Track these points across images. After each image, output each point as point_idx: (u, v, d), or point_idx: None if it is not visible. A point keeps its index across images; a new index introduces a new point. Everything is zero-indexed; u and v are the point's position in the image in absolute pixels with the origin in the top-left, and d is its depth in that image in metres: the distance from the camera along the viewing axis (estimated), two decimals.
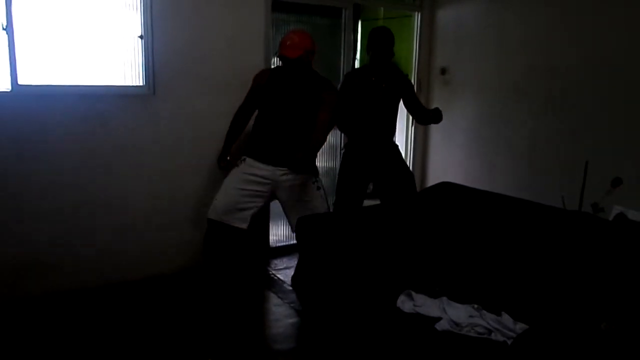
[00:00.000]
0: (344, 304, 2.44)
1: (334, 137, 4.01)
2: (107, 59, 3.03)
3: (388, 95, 3.28)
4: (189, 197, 3.37)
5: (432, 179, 4.32)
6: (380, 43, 3.18)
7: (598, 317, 1.84)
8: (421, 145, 4.48)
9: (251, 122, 3.11)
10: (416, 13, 4.27)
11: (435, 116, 3.22)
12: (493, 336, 1.85)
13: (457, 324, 1.91)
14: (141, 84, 3.13)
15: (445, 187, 3.13)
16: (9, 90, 2.75)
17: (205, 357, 2.46)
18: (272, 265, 3.66)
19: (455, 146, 4.19)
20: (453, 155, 4.22)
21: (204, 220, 3.08)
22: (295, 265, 3.33)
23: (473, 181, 3.47)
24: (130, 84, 3.11)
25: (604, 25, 3.14)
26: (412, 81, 4.32)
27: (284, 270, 3.54)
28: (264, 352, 2.58)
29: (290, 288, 3.26)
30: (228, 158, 3.11)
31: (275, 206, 3.32)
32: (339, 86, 3.37)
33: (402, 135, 4.45)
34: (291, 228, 3.13)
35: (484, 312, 1.97)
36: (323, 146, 3.12)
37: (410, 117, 4.14)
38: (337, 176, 3.50)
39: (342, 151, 3.55)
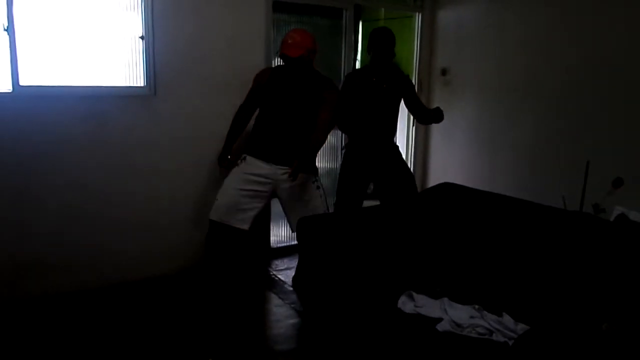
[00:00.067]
0: (345, 304, 2.44)
1: (335, 137, 4.01)
2: (108, 59, 3.03)
3: (389, 95, 3.28)
4: (189, 197, 3.38)
5: (433, 179, 4.32)
6: (381, 43, 3.18)
7: (599, 317, 1.84)
8: (422, 145, 4.48)
9: (252, 121, 3.11)
10: (417, 14, 4.28)
11: (437, 115, 3.22)
12: (494, 337, 1.84)
13: (458, 325, 1.91)
14: (142, 84, 3.13)
15: (446, 188, 3.13)
16: (10, 91, 2.75)
17: (205, 357, 2.46)
18: (273, 266, 3.66)
19: (456, 146, 4.19)
20: (454, 156, 4.22)
21: (204, 220, 3.08)
22: (296, 266, 3.33)
23: (474, 181, 3.47)
24: (131, 85, 3.11)
25: (604, 25, 3.14)
26: (413, 82, 4.32)
27: (285, 271, 3.54)
28: (264, 352, 2.58)
29: (291, 289, 3.26)
30: (229, 157, 3.11)
31: (276, 207, 3.32)
32: (339, 86, 3.37)
33: (403, 135, 4.45)
34: (290, 227, 3.13)
35: (485, 312, 1.97)
36: (323, 146, 3.13)
37: (411, 117, 4.14)
38: (337, 176, 3.50)
39: (343, 151, 3.55)
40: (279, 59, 3.15)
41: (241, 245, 3.26)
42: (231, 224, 2.95)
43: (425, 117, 3.39)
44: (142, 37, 3.07)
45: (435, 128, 4.22)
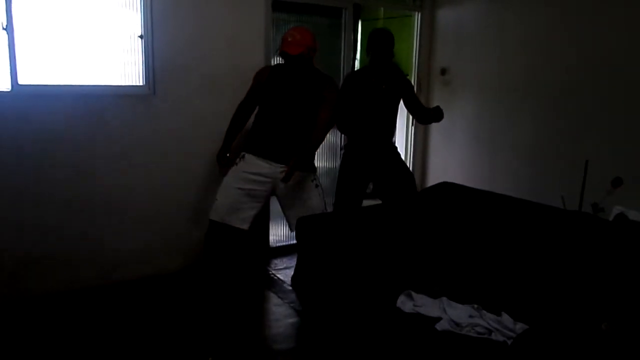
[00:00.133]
0: (344, 304, 2.44)
1: (334, 137, 4.01)
2: (107, 58, 3.03)
3: (388, 96, 3.29)
4: (189, 195, 3.38)
5: (432, 179, 4.32)
6: (380, 45, 3.18)
7: (598, 317, 1.84)
8: (421, 145, 4.48)
9: (251, 119, 3.11)
10: (416, 13, 4.27)
11: (436, 114, 3.22)
12: (493, 336, 1.84)
13: (457, 324, 1.91)
14: (141, 83, 3.13)
15: (445, 187, 3.13)
16: (9, 90, 2.75)
17: (205, 357, 2.46)
18: (272, 265, 3.66)
19: (456, 146, 4.19)
20: (453, 155, 4.22)
21: (204, 218, 3.08)
22: (295, 265, 3.33)
23: (473, 181, 3.47)
24: (131, 84, 3.11)
25: (604, 25, 3.14)
26: (412, 81, 4.32)
27: (284, 270, 3.54)
28: (264, 352, 2.58)
29: (290, 288, 3.26)
30: (228, 155, 3.10)
31: (275, 206, 3.32)
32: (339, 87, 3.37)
33: (402, 135, 4.45)
34: (289, 226, 3.13)
35: (484, 312, 1.97)
36: (322, 145, 3.13)
37: (411, 117, 4.14)
38: (336, 176, 3.50)
39: (342, 152, 3.55)
40: (278, 58, 3.14)
41: (240, 245, 3.25)
42: (231, 224, 2.95)
43: (425, 116, 3.39)
44: (141, 36, 3.07)
45: (434, 128, 4.22)
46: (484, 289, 2.22)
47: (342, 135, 3.89)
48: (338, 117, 3.19)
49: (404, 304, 2.08)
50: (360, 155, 3.33)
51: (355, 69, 4.11)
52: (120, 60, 3.07)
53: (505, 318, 1.93)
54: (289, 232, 3.74)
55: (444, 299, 2.08)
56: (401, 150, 3.77)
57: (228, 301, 3.08)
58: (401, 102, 3.39)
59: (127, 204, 3.18)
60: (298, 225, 2.82)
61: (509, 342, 1.81)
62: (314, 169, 3.11)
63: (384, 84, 3.25)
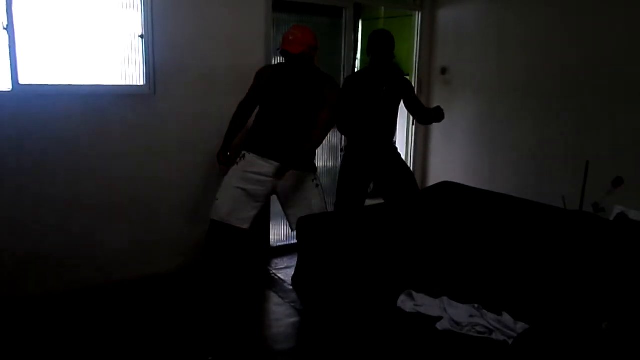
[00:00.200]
0: (345, 303, 2.44)
1: (334, 137, 4.01)
2: (107, 58, 3.03)
3: (388, 98, 3.29)
4: (189, 195, 3.38)
5: (433, 179, 4.32)
6: (381, 46, 3.19)
7: (599, 316, 1.84)
8: (422, 145, 4.48)
9: (252, 118, 3.11)
10: (417, 13, 4.28)
11: (437, 115, 3.22)
12: (494, 336, 1.85)
13: (457, 324, 1.91)
14: (142, 83, 3.13)
15: (445, 187, 3.13)
16: (9, 89, 2.75)
17: (205, 357, 2.46)
18: (273, 265, 3.66)
19: (456, 146, 4.19)
20: (453, 155, 4.23)
21: (204, 218, 3.08)
22: (295, 265, 3.32)
23: (473, 181, 3.47)
24: (131, 84, 3.11)
25: (604, 25, 3.14)
26: (413, 81, 4.33)
27: (285, 270, 3.54)
28: (264, 351, 2.58)
29: (291, 287, 3.26)
30: (228, 154, 3.10)
31: (276, 206, 3.32)
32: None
33: (403, 135, 4.45)
34: (290, 225, 3.13)
35: (485, 311, 1.97)
36: (322, 145, 3.12)
37: (411, 117, 4.14)
38: (337, 177, 3.50)
39: (342, 153, 3.55)
40: (279, 57, 3.14)
41: (241, 244, 3.25)
42: (232, 224, 2.95)
43: (426, 117, 3.39)
44: (141, 36, 3.07)
45: (435, 128, 4.22)
46: (485, 288, 2.22)
47: (343, 136, 3.90)
48: (339, 118, 3.19)
49: (405, 303, 2.08)
50: (361, 156, 3.33)
51: (356, 70, 4.12)
52: (121, 60, 3.07)
53: (506, 318, 1.93)
54: (290, 231, 3.73)
55: (445, 298, 2.08)
56: (402, 150, 3.77)
57: (228, 301, 3.08)
58: (402, 102, 3.39)
59: (127, 204, 3.18)
60: (298, 225, 2.83)
61: (510, 341, 1.81)
62: (314, 168, 3.11)
63: (385, 86, 3.25)
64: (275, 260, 3.72)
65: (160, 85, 3.15)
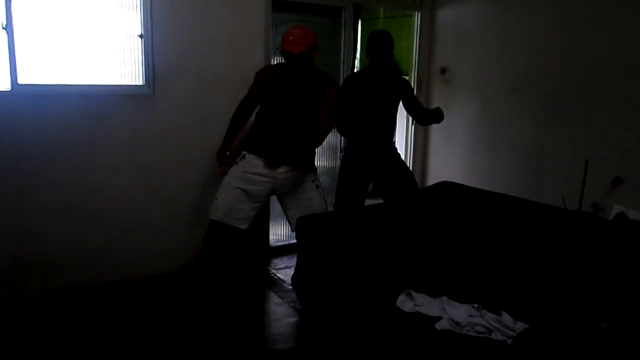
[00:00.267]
0: (344, 303, 2.44)
1: (334, 138, 4.00)
2: (107, 58, 3.03)
3: (388, 98, 3.29)
4: (189, 196, 3.37)
5: (432, 179, 4.32)
6: (380, 47, 3.19)
7: (598, 316, 1.84)
8: (421, 145, 4.48)
9: (252, 118, 3.10)
10: (416, 12, 4.27)
11: (437, 116, 3.22)
12: (493, 335, 1.85)
13: (457, 324, 1.91)
14: (141, 83, 3.13)
15: (445, 187, 3.13)
16: (8, 89, 2.75)
17: (205, 357, 2.46)
18: (272, 265, 3.66)
19: (456, 146, 4.19)
20: (453, 155, 4.22)
21: (204, 219, 3.08)
22: (295, 265, 3.32)
23: (473, 181, 3.47)
24: (130, 84, 3.11)
25: (603, 25, 3.14)
26: (412, 80, 4.33)
27: (284, 270, 3.54)
28: (264, 351, 2.58)
29: (291, 287, 3.26)
30: (228, 153, 3.10)
31: (275, 206, 3.32)
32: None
33: (402, 136, 4.44)
34: (290, 226, 3.13)
35: (484, 311, 1.97)
36: (322, 145, 3.12)
37: (410, 117, 4.14)
38: (337, 177, 3.50)
39: (342, 153, 3.55)
40: (279, 57, 3.14)
41: (240, 244, 3.25)
42: (231, 224, 2.95)
43: (425, 118, 3.39)
44: (141, 36, 3.07)
45: (434, 128, 4.21)
46: (484, 288, 2.22)
47: (342, 137, 3.89)
48: (339, 116, 3.19)
49: (404, 303, 2.08)
50: (360, 157, 3.33)
51: (355, 71, 4.12)
52: (120, 59, 3.06)
53: (505, 317, 1.93)
54: (289, 231, 3.73)
55: (444, 298, 2.08)
56: (401, 150, 3.77)
57: (228, 301, 3.08)
58: (401, 103, 3.39)
59: (127, 204, 3.18)
60: (298, 225, 2.83)
61: (509, 341, 1.81)
62: (314, 169, 3.11)
63: (384, 86, 3.25)
64: (275, 260, 3.72)
65: (160, 85, 3.15)
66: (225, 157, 3.06)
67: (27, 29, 2.77)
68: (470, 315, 1.95)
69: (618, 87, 3.08)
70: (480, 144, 4.00)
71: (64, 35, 2.88)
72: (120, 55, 3.06)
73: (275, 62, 3.53)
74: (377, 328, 2.17)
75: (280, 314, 2.96)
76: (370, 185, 3.54)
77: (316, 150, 3.11)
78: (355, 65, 4.28)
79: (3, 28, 2.68)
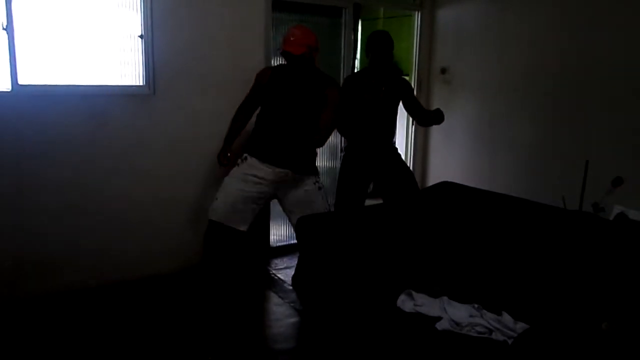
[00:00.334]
0: (345, 303, 2.44)
1: (335, 137, 4.00)
2: (107, 58, 3.03)
3: (388, 98, 3.29)
4: (189, 196, 3.38)
5: (433, 179, 4.32)
6: (379, 47, 3.19)
7: (599, 316, 1.84)
8: (421, 145, 4.48)
9: (252, 119, 3.10)
10: (416, 12, 4.27)
11: (437, 117, 3.21)
12: (493, 336, 1.84)
13: (457, 324, 1.91)
14: (141, 83, 3.13)
15: (445, 187, 3.13)
16: (9, 90, 2.75)
17: (205, 357, 2.46)
18: (273, 265, 3.66)
19: (456, 146, 4.19)
20: (453, 155, 4.22)
21: (204, 220, 3.08)
22: (295, 265, 3.33)
23: (473, 181, 3.47)
24: (131, 84, 3.11)
25: (603, 25, 3.14)
26: (412, 80, 4.33)
27: (285, 270, 3.54)
28: (264, 352, 2.58)
29: (291, 288, 3.26)
30: (229, 155, 3.10)
31: (276, 206, 3.32)
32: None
33: (402, 136, 4.45)
34: (293, 228, 3.12)
35: (485, 311, 1.97)
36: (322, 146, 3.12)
37: (411, 118, 4.14)
38: (337, 177, 3.50)
39: (342, 154, 3.54)
40: (279, 58, 3.13)
41: (240, 245, 3.25)
42: (230, 225, 2.94)
43: (425, 119, 3.39)
44: (141, 36, 3.07)
45: (434, 128, 4.21)
46: (485, 288, 2.22)
47: (342, 137, 3.89)
48: (340, 119, 3.18)
49: (404, 303, 2.08)
50: (360, 157, 3.33)
51: (355, 71, 4.12)
52: (120, 60, 3.06)
53: (506, 318, 1.93)
54: (290, 231, 3.74)
55: (445, 298, 2.08)
56: (401, 150, 3.76)
57: (228, 301, 3.08)
58: (401, 103, 3.39)
59: (127, 204, 3.18)
60: (298, 225, 2.82)
61: (510, 341, 1.81)
62: (316, 171, 3.10)
63: (384, 86, 3.25)
64: (275, 261, 3.72)
65: (160, 85, 3.15)
66: (226, 159, 3.06)
67: (28, 30, 2.77)
68: (470, 316, 1.95)
69: (618, 87, 3.08)
70: (480, 144, 4.00)
71: (64, 35, 2.89)
72: (120, 56, 3.06)
73: (275, 62, 3.54)
74: (377, 328, 2.17)
75: (281, 314, 2.96)
76: (371, 186, 3.54)
77: (317, 151, 3.11)
78: (356, 66, 4.28)
79: (3, 29, 2.69)
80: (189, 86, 3.25)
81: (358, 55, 4.55)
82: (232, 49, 3.35)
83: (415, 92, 3.60)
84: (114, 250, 3.17)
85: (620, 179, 3.01)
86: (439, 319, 1.95)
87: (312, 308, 2.92)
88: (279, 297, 3.16)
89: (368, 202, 3.53)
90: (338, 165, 3.86)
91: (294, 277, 3.28)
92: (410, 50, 4.37)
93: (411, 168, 4.27)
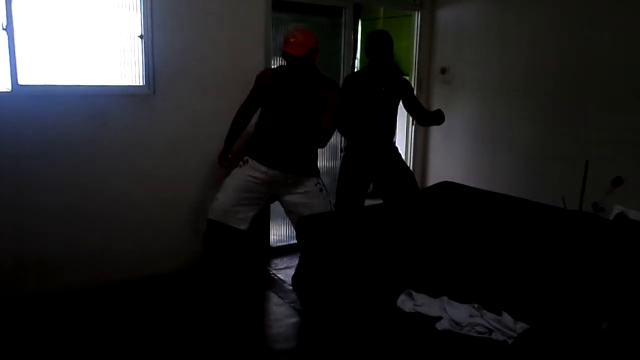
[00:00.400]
0: (345, 303, 2.44)
1: (335, 137, 3.99)
2: (107, 58, 3.03)
3: (387, 98, 3.28)
4: (189, 196, 3.37)
5: (432, 179, 4.32)
6: (379, 46, 3.19)
7: (599, 317, 1.84)
8: (421, 145, 4.48)
9: (253, 120, 3.10)
10: (416, 12, 4.27)
11: (438, 118, 3.21)
12: (493, 336, 1.84)
13: (457, 324, 1.91)
14: (141, 83, 3.13)
15: (445, 187, 3.13)
16: (9, 90, 2.75)
17: (205, 357, 2.46)
18: (273, 265, 3.66)
19: (456, 146, 4.19)
20: (453, 155, 4.22)
21: (204, 220, 3.07)
22: (295, 265, 3.33)
23: (473, 181, 3.47)
24: (130, 84, 3.11)
25: (603, 25, 3.14)
26: (412, 80, 4.33)
27: (285, 270, 3.54)
28: (264, 352, 2.58)
29: (291, 288, 3.26)
30: (229, 156, 3.09)
31: (276, 206, 3.32)
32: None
33: (402, 136, 4.45)
34: (295, 229, 3.12)
35: (485, 311, 1.97)
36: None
37: (411, 117, 4.14)
38: (337, 177, 3.50)
39: (342, 154, 3.54)
40: (279, 58, 3.13)
41: (240, 244, 3.25)
42: (230, 224, 2.94)
43: (425, 118, 3.39)
44: (141, 36, 3.07)
45: (434, 128, 4.21)
46: (485, 288, 2.21)
47: (342, 137, 3.89)
48: (340, 121, 3.18)
49: (404, 303, 2.08)
50: (360, 157, 3.33)
51: (355, 70, 4.12)
52: (120, 60, 3.06)
53: (506, 317, 1.93)
54: (290, 231, 3.73)
55: (445, 298, 2.08)
56: (401, 150, 3.76)
57: (228, 301, 3.08)
58: (401, 103, 3.39)
59: (127, 204, 3.18)
60: (298, 225, 2.82)
61: (510, 341, 1.81)
62: (317, 172, 3.09)
63: (384, 86, 3.25)
64: (275, 261, 3.72)
65: (160, 85, 3.15)
66: (227, 160, 3.06)
67: (28, 30, 2.77)
68: (470, 316, 1.95)
69: (618, 87, 3.08)
70: (480, 144, 4.00)
71: (64, 35, 2.89)
72: (120, 56, 3.06)
73: (275, 62, 3.54)
74: (377, 328, 2.17)
75: (281, 314, 2.96)
76: (371, 186, 3.54)
77: (318, 152, 3.11)
78: (356, 66, 4.28)
79: (3, 29, 2.69)
80: (189, 86, 3.25)
81: (358, 55, 4.55)
82: (232, 49, 3.35)
83: (415, 92, 3.59)
84: (114, 250, 3.17)
85: (620, 179, 3.01)
86: (439, 319, 1.95)
87: (312, 308, 2.92)
88: (279, 297, 3.16)
89: (368, 202, 3.53)
90: (338, 165, 3.86)
91: (294, 277, 3.28)
92: (410, 50, 4.37)
93: (411, 168, 4.27)
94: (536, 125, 3.57)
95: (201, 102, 3.29)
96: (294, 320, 2.89)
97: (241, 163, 2.99)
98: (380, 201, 3.51)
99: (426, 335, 1.91)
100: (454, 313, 1.96)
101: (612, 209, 3.01)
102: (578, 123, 3.30)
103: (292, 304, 3.05)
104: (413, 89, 3.56)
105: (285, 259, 3.74)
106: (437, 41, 4.29)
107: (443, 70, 4.22)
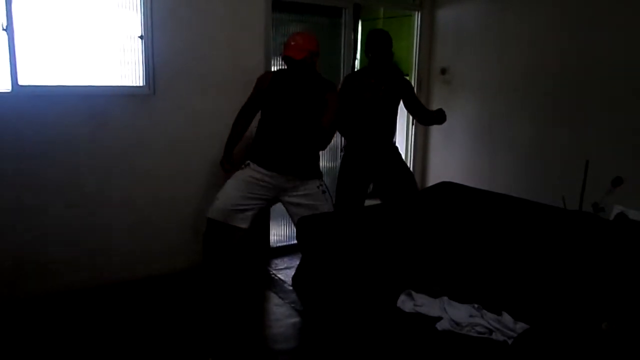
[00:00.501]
0: (345, 304, 2.44)
1: (335, 138, 3.98)
2: (107, 59, 3.03)
3: (387, 97, 3.28)
4: (189, 197, 3.38)
5: (432, 179, 4.32)
6: (379, 46, 3.19)
7: (599, 317, 1.84)
8: (421, 145, 4.48)
9: (253, 124, 3.09)
10: (416, 13, 4.28)
11: (439, 117, 3.21)
12: (493, 336, 1.84)
13: (457, 324, 1.91)
14: (141, 84, 3.13)
15: (445, 187, 3.13)
16: (9, 90, 2.75)
17: (205, 357, 2.46)
18: (273, 265, 3.66)
19: (456, 146, 4.19)
20: (453, 155, 4.22)
21: (204, 220, 3.07)
22: (296, 265, 3.33)
23: (473, 181, 3.47)
24: (130, 84, 3.11)
25: (603, 25, 3.14)
26: (412, 80, 4.33)
27: (285, 270, 3.54)
28: (264, 352, 2.58)
29: (291, 288, 3.26)
30: (231, 160, 3.08)
31: (276, 206, 3.32)
32: (339, 87, 3.36)
33: (402, 135, 4.45)
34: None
35: (485, 311, 1.97)
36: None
37: (411, 117, 4.14)
38: (337, 177, 3.50)
39: (342, 154, 3.54)
40: (280, 61, 3.13)
41: (240, 244, 3.25)
42: (230, 223, 2.94)
43: (426, 118, 3.39)
44: (141, 37, 3.07)
45: (434, 128, 4.22)
46: (485, 288, 2.21)
47: (342, 137, 3.89)
48: (340, 123, 3.18)
49: (405, 303, 2.08)
50: (360, 157, 3.33)
51: (355, 70, 4.12)
52: (120, 60, 3.06)
53: (506, 318, 1.92)
54: (290, 232, 3.73)
55: (445, 298, 2.07)
56: (401, 150, 3.77)
57: (228, 301, 3.08)
58: (401, 102, 3.39)
59: (128, 204, 3.18)
60: (299, 225, 2.82)
61: (510, 341, 1.81)
62: (319, 174, 3.09)
63: (384, 85, 3.25)
64: (275, 261, 3.72)
65: (160, 85, 3.15)
66: (229, 164, 3.05)
67: (28, 30, 2.77)
68: (470, 316, 1.95)
69: (618, 87, 3.08)
70: (480, 144, 4.00)
71: (65, 36, 2.89)
72: (120, 56, 3.06)
73: (275, 62, 3.54)
74: (377, 328, 2.17)
75: (281, 314, 2.96)
76: (371, 186, 3.54)
77: (319, 153, 3.10)
78: (356, 66, 4.28)
79: (3, 29, 2.69)
80: (189, 86, 3.25)
81: (358, 55, 4.55)
82: (232, 49, 3.35)
83: (415, 92, 3.59)
84: (113, 250, 3.17)
85: (620, 179, 3.01)
86: (439, 319, 1.95)
87: (312, 308, 2.92)
88: (279, 297, 3.16)
89: (368, 202, 3.53)
90: (338, 165, 3.86)
91: (294, 278, 3.28)
92: (410, 50, 4.37)
93: (411, 168, 4.27)
94: (536, 125, 3.57)
95: (201, 102, 3.29)
96: (294, 320, 2.89)
97: (243, 166, 2.99)
98: (380, 201, 3.51)
99: (426, 336, 1.91)
100: (454, 313, 1.96)
101: (612, 209, 3.01)
102: (578, 123, 3.30)
103: (292, 304, 3.05)
104: (413, 89, 3.56)
105: (285, 259, 3.74)
106: (437, 41, 4.29)
107: (443, 71, 4.22)
